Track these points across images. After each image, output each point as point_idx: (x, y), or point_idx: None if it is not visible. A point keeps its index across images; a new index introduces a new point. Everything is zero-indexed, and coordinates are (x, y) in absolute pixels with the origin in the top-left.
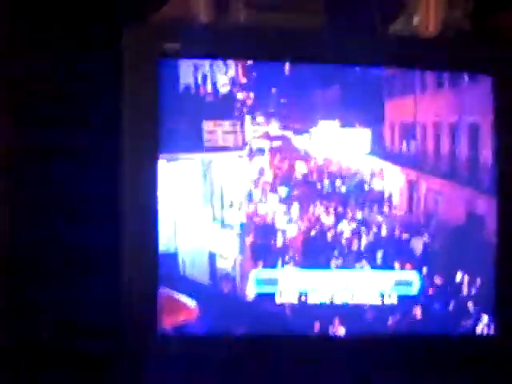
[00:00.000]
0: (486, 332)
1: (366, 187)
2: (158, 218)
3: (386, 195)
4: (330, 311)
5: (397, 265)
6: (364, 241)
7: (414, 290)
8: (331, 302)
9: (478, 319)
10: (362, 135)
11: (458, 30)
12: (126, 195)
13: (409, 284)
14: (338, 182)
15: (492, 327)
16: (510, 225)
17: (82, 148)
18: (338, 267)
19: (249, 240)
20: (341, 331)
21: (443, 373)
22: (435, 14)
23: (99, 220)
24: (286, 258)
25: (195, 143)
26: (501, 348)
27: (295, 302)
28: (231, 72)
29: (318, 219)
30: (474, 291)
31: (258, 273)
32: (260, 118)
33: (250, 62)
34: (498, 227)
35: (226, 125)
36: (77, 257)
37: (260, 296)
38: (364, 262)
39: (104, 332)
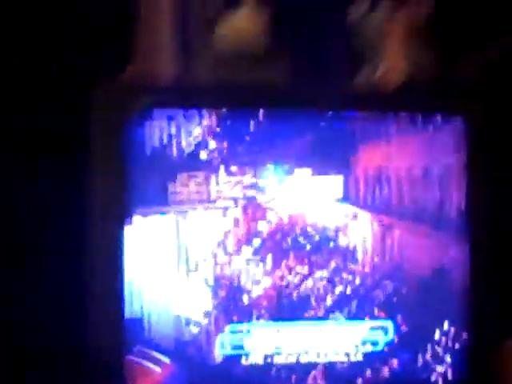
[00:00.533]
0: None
1: (340, 236)
2: (124, 282)
3: (359, 243)
4: (299, 370)
5: (370, 314)
6: (337, 292)
7: (389, 337)
8: (298, 362)
9: (448, 368)
10: (334, 182)
11: (425, 75)
12: (93, 258)
13: (384, 331)
14: (311, 232)
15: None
16: (481, 272)
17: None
18: (307, 321)
19: (216, 301)
20: None
21: None
22: (401, 62)
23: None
24: (253, 319)
25: (168, 196)
26: None
27: (261, 363)
28: (205, 122)
29: (291, 271)
30: (445, 341)
31: (225, 336)
32: (233, 168)
33: (223, 112)
34: (470, 273)
35: (200, 176)
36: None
37: (227, 359)
38: (337, 314)
39: None
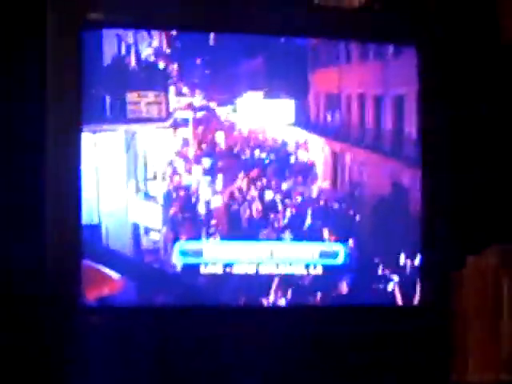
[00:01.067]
0: (408, 303)
1: (291, 158)
2: (81, 190)
3: (311, 166)
4: (255, 282)
5: (322, 236)
6: (288, 212)
7: (339, 261)
8: (256, 273)
9: (400, 290)
10: (286, 106)
11: (382, 2)
12: (50, 166)
13: (334, 255)
14: (262, 154)
15: (416, 298)
16: (433, 196)
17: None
18: (262, 239)
19: (173, 211)
20: (266, 301)
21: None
22: None
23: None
24: (211, 229)
25: (119, 114)
26: (422, 318)
27: (220, 272)
28: (155, 42)
29: (242, 190)
30: (398, 262)
31: (183, 244)
32: (184, 89)
33: (174, 33)
34: (422, 198)
35: (150, 95)
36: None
37: (185, 267)
38: (288, 233)
39: (29, 299)
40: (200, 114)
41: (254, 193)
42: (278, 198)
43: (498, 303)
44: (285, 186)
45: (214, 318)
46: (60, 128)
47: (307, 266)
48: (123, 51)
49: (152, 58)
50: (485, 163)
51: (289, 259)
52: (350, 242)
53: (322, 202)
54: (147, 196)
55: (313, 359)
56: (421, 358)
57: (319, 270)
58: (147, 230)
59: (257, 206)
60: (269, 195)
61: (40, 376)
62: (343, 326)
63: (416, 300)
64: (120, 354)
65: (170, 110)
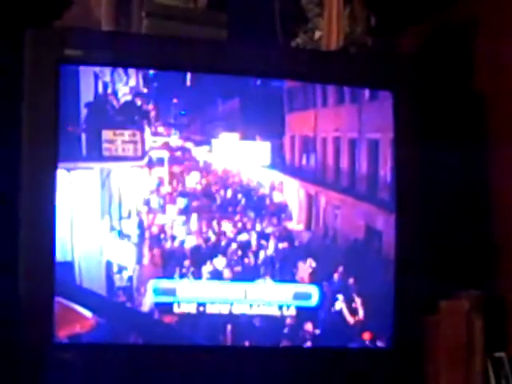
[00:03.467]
0: (381, 345)
1: (266, 200)
2: (56, 227)
3: (285, 209)
4: (226, 322)
5: (296, 277)
6: (262, 254)
7: (313, 302)
8: (229, 313)
9: (373, 333)
10: (262, 148)
11: (359, 46)
12: (25, 202)
13: (308, 297)
14: (237, 195)
15: (386, 341)
16: (407, 240)
17: None
18: (236, 279)
19: (146, 250)
20: (235, 341)
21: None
22: (337, 29)
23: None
24: (184, 269)
25: (94, 152)
26: (394, 362)
27: (193, 312)
28: (132, 81)
29: (217, 231)
30: (371, 305)
31: (157, 283)
32: (160, 129)
33: (151, 72)
34: (396, 242)
35: (126, 134)
36: None
37: (157, 306)
38: (263, 273)
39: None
40: (176, 154)
41: (229, 233)
42: (254, 238)
43: (470, 346)
44: (259, 226)
45: (187, 356)
46: (35, 165)
47: (281, 308)
48: (100, 89)
49: (129, 97)
50: (458, 209)
51: (262, 300)
52: (324, 283)
53: (296, 243)
54: (121, 234)
55: None
56: None
57: (292, 312)
58: (120, 269)
59: (231, 246)
60: (244, 236)
61: None
62: (316, 367)
63: (389, 343)
64: None
65: (146, 148)
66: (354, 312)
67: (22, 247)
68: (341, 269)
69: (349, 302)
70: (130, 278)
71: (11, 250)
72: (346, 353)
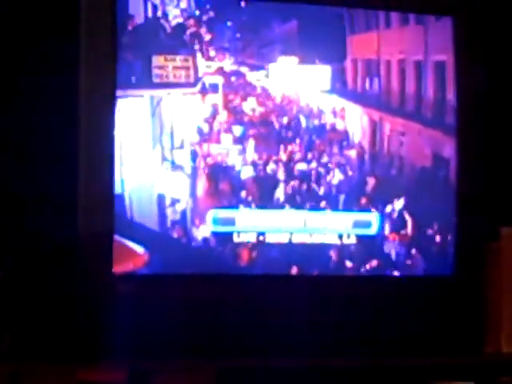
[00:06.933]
0: (443, 273)
1: (327, 127)
2: (114, 160)
3: (347, 137)
4: (288, 252)
5: (357, 205)
6: (322, 183)
7: (373, 231)
8: (290, 242)
9: (436, 259)
10: (321, 72)
11: None
12: (84, 134)
13: (368, 225)
14: (296, 123)
15: (449, 269)
16: (470, 165)
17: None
18: (295, 208)
19: (202, 181)
20: (298, 271)
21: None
22: None
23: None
24: (242, 198)
25: (144, 79)
26: (457, 288)
27: (254, 241)
28: (184, 3)
29: (275, 160)
30: (435, 233)
31: (216, 213)
32: (214, 53)
33: None
34: (458, 168)
35: (178, 59)
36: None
37: (216, 236)
38: (323, 202)
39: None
40: (231, 80)
41: (288, 162)
42: (314, 167)
43: None
44: (319, 155)
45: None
46: (93, 95)
47: (341, 236)
48: (150, 12)
49: (180, 20)
50: None
51: (322, 229)
52: (388, 208)
53: (358, 173)
54: (174, 165)
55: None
56: (455, 328)
57: (353, 240)
58: (174, 202)
59: (291, 176)
60: (303, 165)
61: (77, 338)
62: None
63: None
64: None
65: (199, 74)
66: (416, 241)
67: (82, 181)
68: (405, 198)
69: (413, 230)
70: (184, 211)
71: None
72: (410, 280)
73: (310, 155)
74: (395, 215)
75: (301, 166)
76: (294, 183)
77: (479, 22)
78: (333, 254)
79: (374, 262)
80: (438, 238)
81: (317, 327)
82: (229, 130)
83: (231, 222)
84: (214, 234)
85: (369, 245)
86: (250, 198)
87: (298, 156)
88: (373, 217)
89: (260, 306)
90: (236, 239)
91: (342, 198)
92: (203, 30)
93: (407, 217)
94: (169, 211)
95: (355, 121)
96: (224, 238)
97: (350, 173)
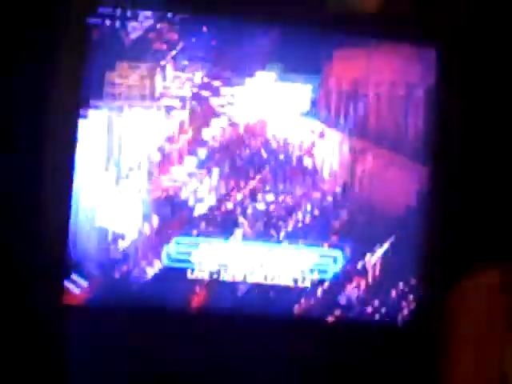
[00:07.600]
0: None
1: (301, 156)
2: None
3: (325, 166)
4: (244, 290)
5: (320, 246)
6: (290, 219)
7: (332, 273)
8: (245, 281)
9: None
10: (301, 92)
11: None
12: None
13: (326, 268)
14: (269, 148)
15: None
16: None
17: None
18: (256, 244)
19: (156, 209)
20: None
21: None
22: None
23: None
24: (200, 230)
25: (100, 90)
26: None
27: (206, 278)
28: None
29: (241, 190)
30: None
31: (169, 247)
32: (184, 63)
33: None
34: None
35: (142, 68)
36: None
37: (169, 271)
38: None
39: None
40: (201, 94)
41: (250, 196)
42: (281, 199)
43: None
44: (290, 187)
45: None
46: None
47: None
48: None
49: (149, 22)
50: None
51: (281, 268)
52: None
53: (328, 208)
54: (126, 189)
55: None
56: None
57: (309, 283)
58: (122, 235)
59: (256, 208)
60: (270, 197)
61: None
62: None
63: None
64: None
65: (166, 86)
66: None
67: None
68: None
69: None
70: (134, 244)
71: None
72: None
73: (280, 186)
74: (359, 259)
75: (263, 202)
76: (258, 218)
77: (463, 55)
78: (288, 295)
79: (330, 306)
80: (400, 285)
81: (269, 369)
82: (193, 152)
83: (185, 257)
84: (167, 269)
85: (327, 288)
86: (206, 233)
87: (260, 190)
88: (334, 259)
89: (211, 345)
90: (189, 276)
91: (304, 236)
92: (174, 37)
93: (372, 260)
94: (115, 244)
95: (334, 149)
96: (177, 275)
97: (316, 212)
